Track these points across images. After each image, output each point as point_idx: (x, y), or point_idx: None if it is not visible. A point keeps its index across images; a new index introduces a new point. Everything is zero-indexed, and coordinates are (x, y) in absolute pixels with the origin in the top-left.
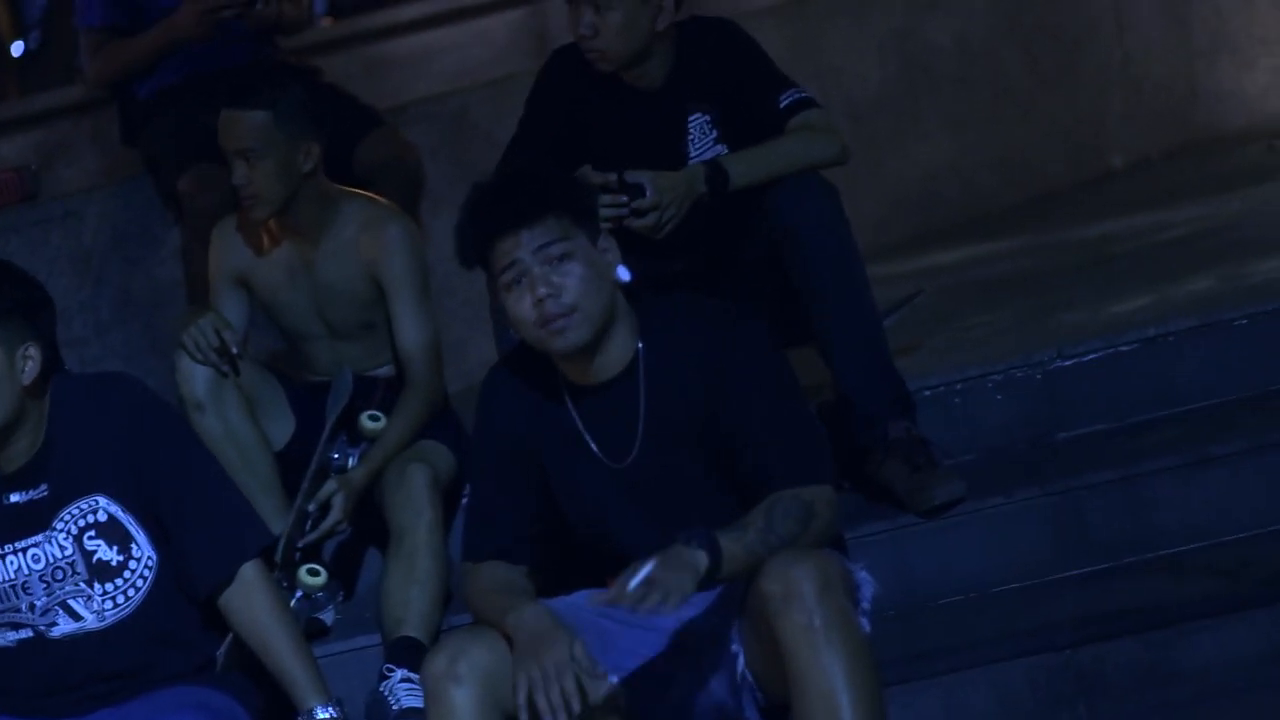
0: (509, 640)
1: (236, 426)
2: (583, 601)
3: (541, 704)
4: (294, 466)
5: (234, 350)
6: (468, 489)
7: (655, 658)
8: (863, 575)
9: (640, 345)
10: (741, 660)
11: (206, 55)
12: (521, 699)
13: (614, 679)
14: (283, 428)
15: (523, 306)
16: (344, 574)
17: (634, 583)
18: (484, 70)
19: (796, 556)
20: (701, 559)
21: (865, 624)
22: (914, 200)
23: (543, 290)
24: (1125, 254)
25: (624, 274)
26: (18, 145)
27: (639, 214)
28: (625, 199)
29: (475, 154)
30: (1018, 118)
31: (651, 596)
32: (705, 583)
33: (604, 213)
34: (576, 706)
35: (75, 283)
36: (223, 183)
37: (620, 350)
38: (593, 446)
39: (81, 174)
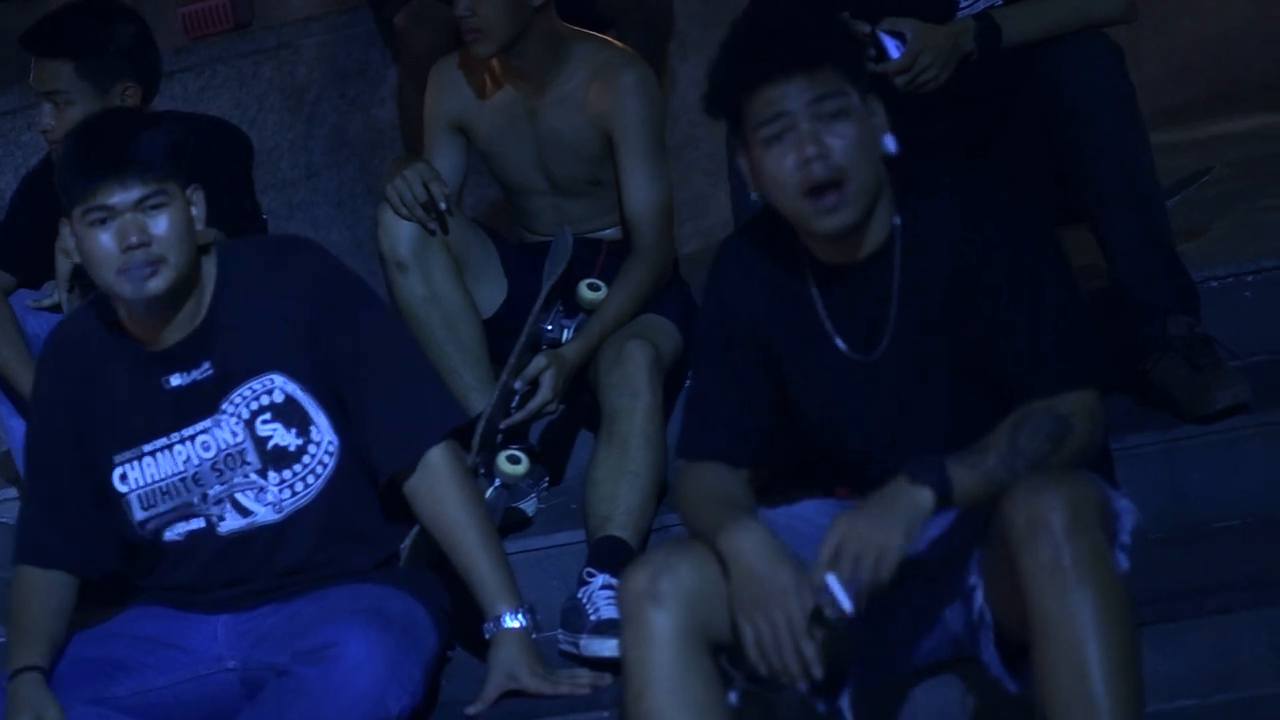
0: (721, 559)
1: (442, 289)
2: (810, 513)
3: (777, 665)
4: (504, 335)
5: (442, 205)
6: (691, 374)
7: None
8: (1124, 504)
9: (897, 222)
10: (980, 594)
11: None
12: (754, 654)
13: (849, 610)
14: (494, 292)
15: (785, 165)
16: (550, 458)
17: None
18: None
19: (1045, 481)
20: (926, 498)
21: (1123, 561)
22: (1205, 62)
23: (811, 150)
24: None
25: (890, 144)
26: None
27: (898, 71)
28: (872, 53)
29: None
30: None
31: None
32: (938, 507)
33: None
34: (819, 672)
35: (286, 120)
36: (445, 21)
37: (878, 228)
38: (835, 336)
39: (299, 2)
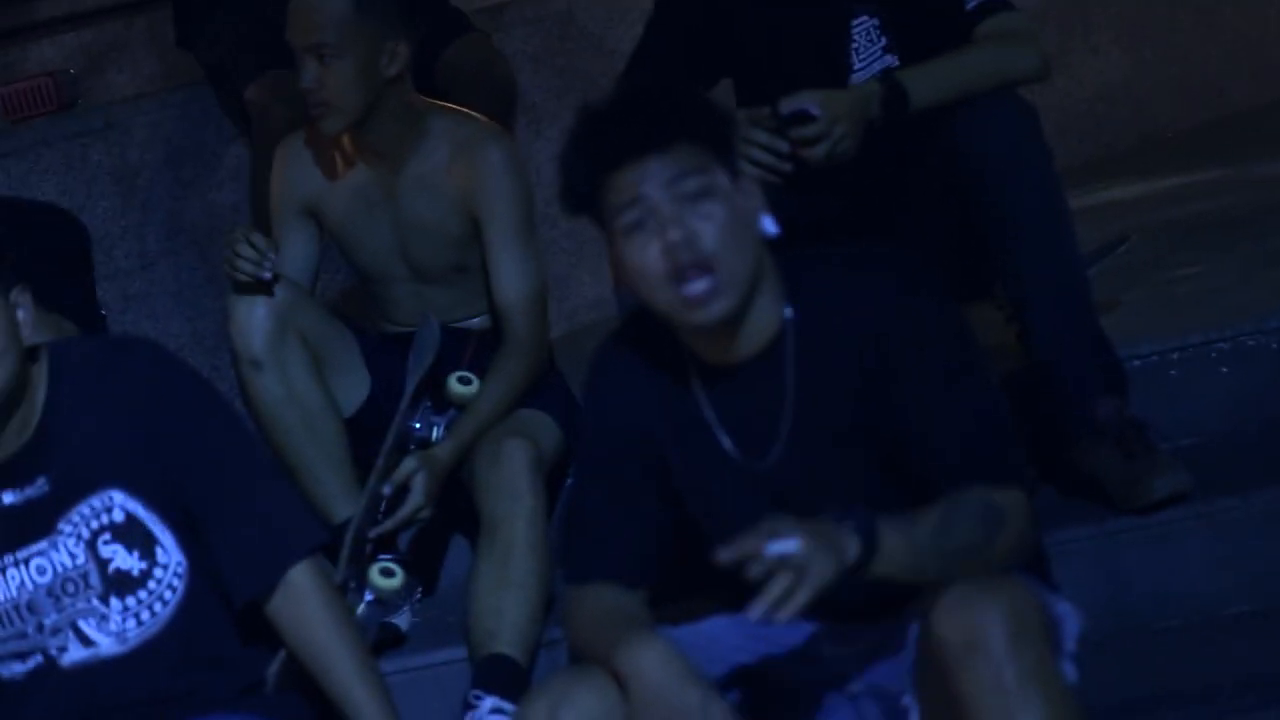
0: (621, 683)
1: (300, 387)
2: (719, 631)
3: None
4: (368, 436)
5: (267, 267)
6: (575, 489)
7: (808, 703)
8: (1064, 608)
9: (788, 314)
10: (915, 716)
11: None
12: None
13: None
14: (355, 389)
15: (648, 256)
16: (423, 567)
17: (772, 549)
18: None
19: (979, 591)
20: (852, 545)
21: (1071, 672)
22: (1081, 126)
23: (675, 234)
24: None
25: (770, 226)
26: (57, 48)
27: (807, 144)
28: (786, 135)
29: (583, 62)
30: (1199, 32)
31: (779, 581)
32: (851, 577)
33: (756, 157)
34: None
35: (118, 206)
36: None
37: (764, 321)
38: (725, 442)
39: (128, 81)
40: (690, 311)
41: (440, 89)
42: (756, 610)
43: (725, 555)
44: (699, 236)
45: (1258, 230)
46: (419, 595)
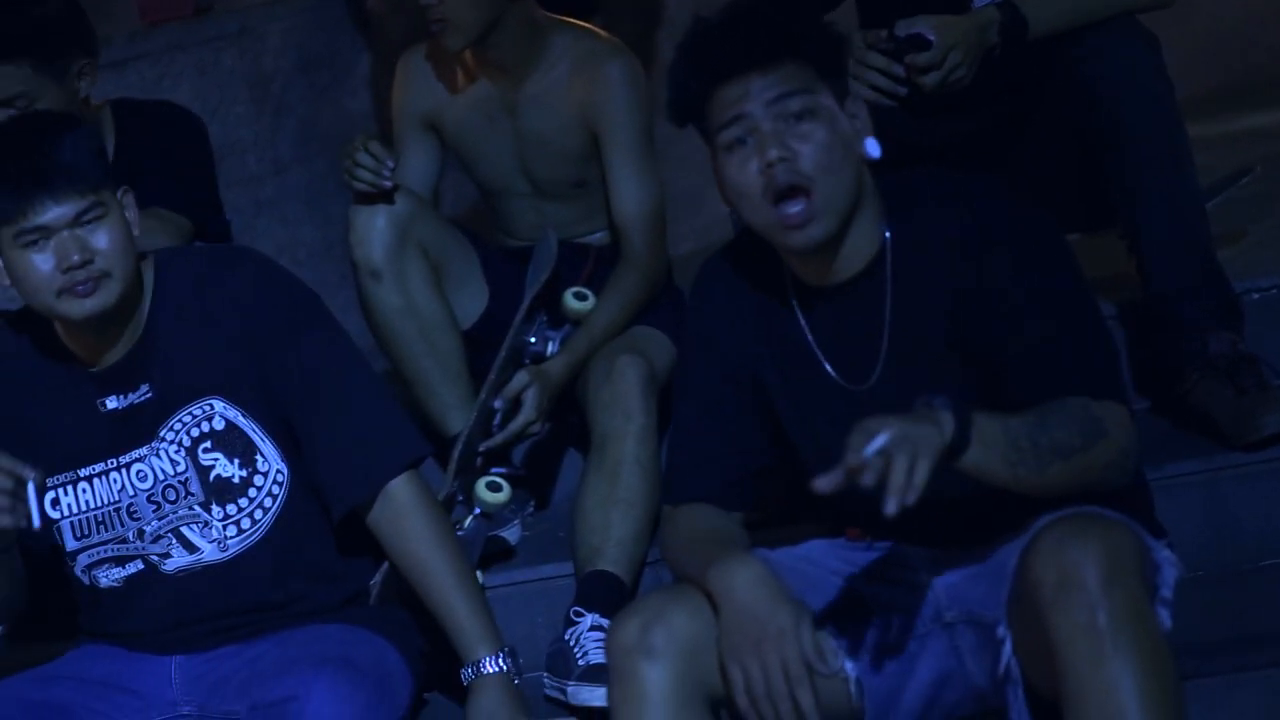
0: (714, 603)
1: (419, 299)
2: (816, 555)
3: (769, 716)
4: (485, 348)
5: (386, 175)
6: (674, 408)
7: (903, 628)
8: (1165, 554)
9: (887, 235)
10: (1009, 647)
11: None
12: (743, 702)
13: (848, 668)
14: (474, 301)
15: (746, 174)
16: (536, 482)
17: (870, 449)
18: None
19: (1076, 530)
20: (947, 423)
21: (1166, 618)
22: (1230, 48)
23: (774, 153)
24: None
25: (874, 149)
26: None
27: (921, 71)
28: (901, 59)
29: None
30: None
31: (897, 465)
32: (948, 463)
33: (871, 80)
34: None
35: (251, 112)
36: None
37: (864, 242)
38: (825, 364)
39: None
40: (786, 234)
41: (585, 2)
42: (891, 505)
43: (824, 484)
44: (798, 157)
45: None
46: (531, 509)
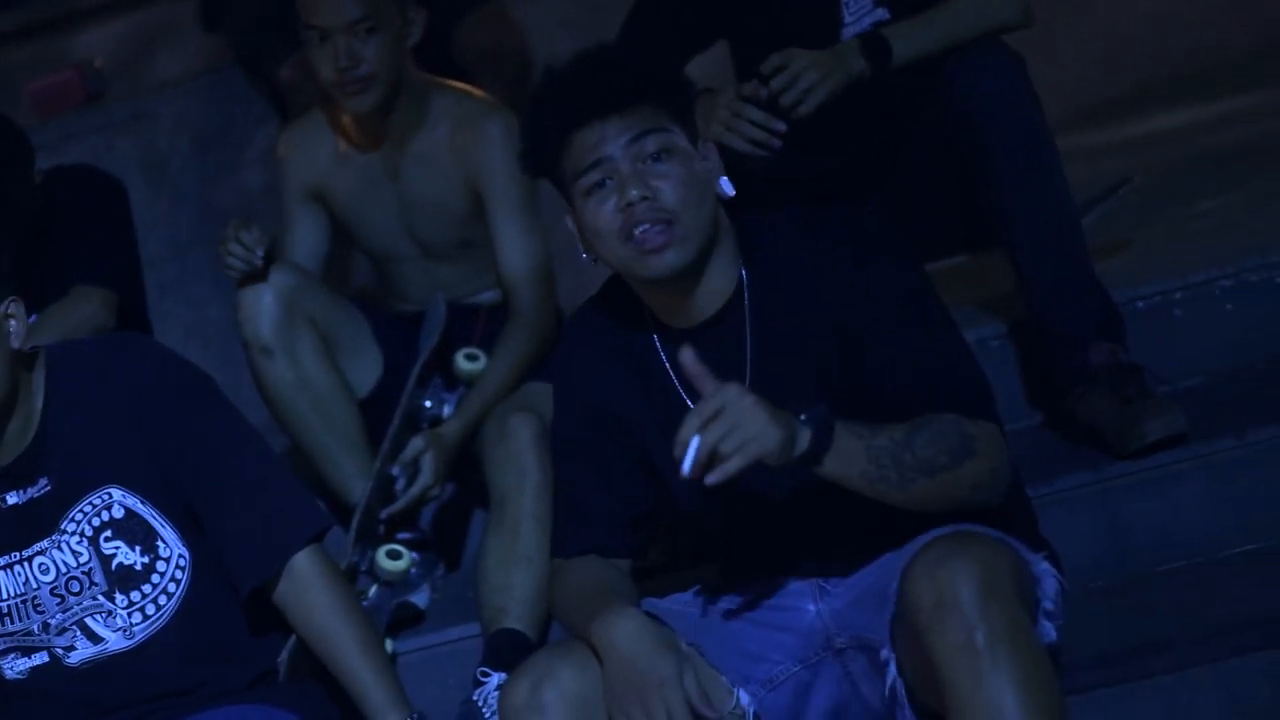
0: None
1: (311, 372)
2: (702, 598)
3: None
4: (384, 414)
5: (257, 259)
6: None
7: (791, 662)
8: (1044, 567)
9: (743, 273)
10: (893, 669)
11: None
12: None
13: (743, 699)
14: (369, 369)
15: (603, 214)
16: (445, 543)
17: (688, 457)
18: None
19: (950, 552)
20: (803, 432)
21: (1049, 631)
22: (1129, 53)
23: (635, 192)
24: None
25: (727, 188)
26: (85, 40)
27: (779, 97)
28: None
29: (615, 29)
30: None
31: (736, 450)
32: (799, 467)
33: (748, 133)
34: None
35: (149, 196)
36: None
37: (722, 280)
38: (690, 404)
39: (152, 71)
40: (645, 260)
41: (455, 64)
42: (686, 464)
43: (684, 468)
44: (659, 194)
45: (1272, 162)
46: (441, 572)
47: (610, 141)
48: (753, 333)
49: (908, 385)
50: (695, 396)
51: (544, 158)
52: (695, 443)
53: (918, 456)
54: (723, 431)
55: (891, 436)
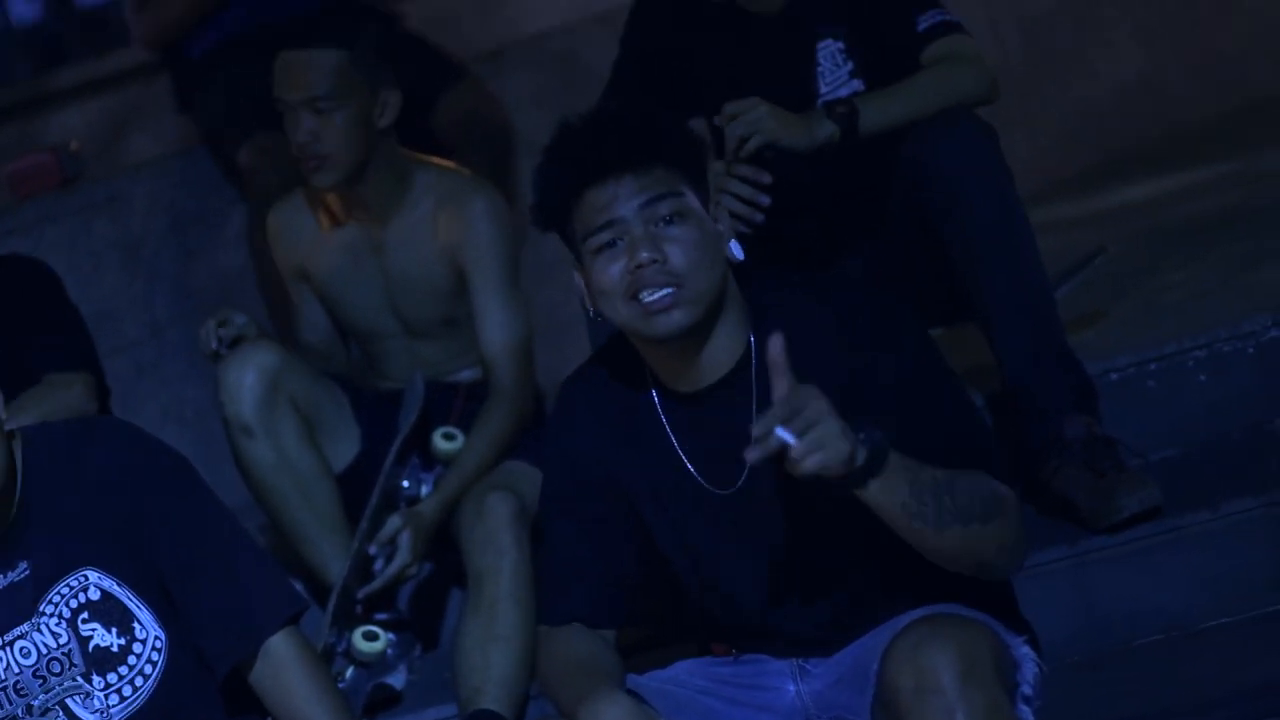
0: None
1: (292, 453)
2: (683, 676)
3: None
4: (361, 491)
5: (223, 340)
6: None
7: None
8: (1024, 651)
9: (752, 339)
10: None
11: (268, 1)
12: None
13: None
14: (347, 446)
15: (610, 274)
16: (423, 623)
17: (780, 432)
18: (595, 3)
19: (930, 635)
20: (860, 454)
21: (1028, 715)
22: (1098, 126)
23: (645, 255)
24: None
25: (737, 251)
26: (60, 120)
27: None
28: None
29: (586, 102)
30: (1217, 19)
31: (812, 452)
32: (850, 487)
33: (733, 207)
34: None
35: (125, 278)
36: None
37: (728, 345)
38: (690, 469)
39: (127, 152)
40: (651, 320)
41: (435, 138)
42: (755, 441)
43: (752, 455)
44: (668, 258)
45: (1245, 230)
46: (418, 652)
47: (623, 202)
48: (759, 399)
49: (931, 445)
50: (695, 463)
51: (555, 213)
52: (781, 432)
53: (956, 502)
54: (803, 428)
55: (935, 476)
